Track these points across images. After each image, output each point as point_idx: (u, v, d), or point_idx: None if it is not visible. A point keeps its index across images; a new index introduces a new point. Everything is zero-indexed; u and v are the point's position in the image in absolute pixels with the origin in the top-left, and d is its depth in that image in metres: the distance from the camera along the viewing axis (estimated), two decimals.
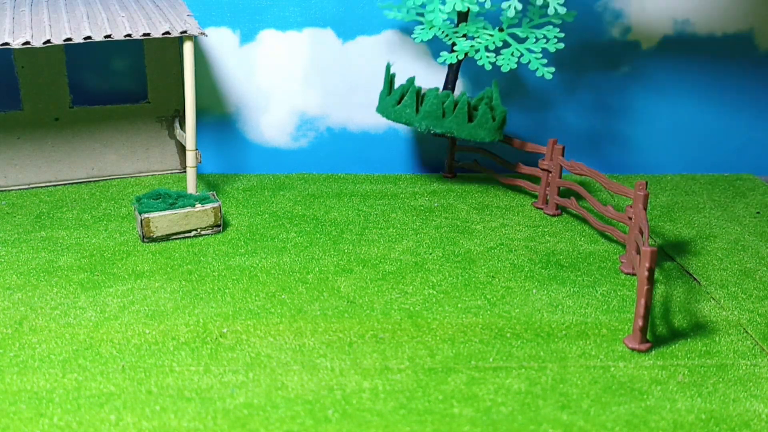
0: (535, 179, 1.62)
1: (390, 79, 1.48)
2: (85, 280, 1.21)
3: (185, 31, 1.38)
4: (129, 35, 1.35)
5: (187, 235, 1.36)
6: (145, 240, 1.34)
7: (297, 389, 0.96)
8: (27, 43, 1.29)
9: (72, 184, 1.61)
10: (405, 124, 1.46)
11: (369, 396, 0.96)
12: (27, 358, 1.01)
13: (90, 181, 1.62)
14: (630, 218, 1.29)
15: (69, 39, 1.31)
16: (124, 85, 1.64)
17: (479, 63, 1.45)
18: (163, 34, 1.37)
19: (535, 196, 1.59)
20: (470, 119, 1.43)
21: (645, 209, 1.25)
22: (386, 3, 1.50)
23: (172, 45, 1.59)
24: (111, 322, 1.09)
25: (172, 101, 1.63)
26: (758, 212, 1.57)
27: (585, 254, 1.35)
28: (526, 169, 1.57)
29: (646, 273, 1.02)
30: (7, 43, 1.29)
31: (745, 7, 1.69)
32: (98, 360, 1.01)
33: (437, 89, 1.45)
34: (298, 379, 0.98)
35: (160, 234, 1.34)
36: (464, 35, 1.46)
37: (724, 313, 1.18)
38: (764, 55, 1.73)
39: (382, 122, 1.70)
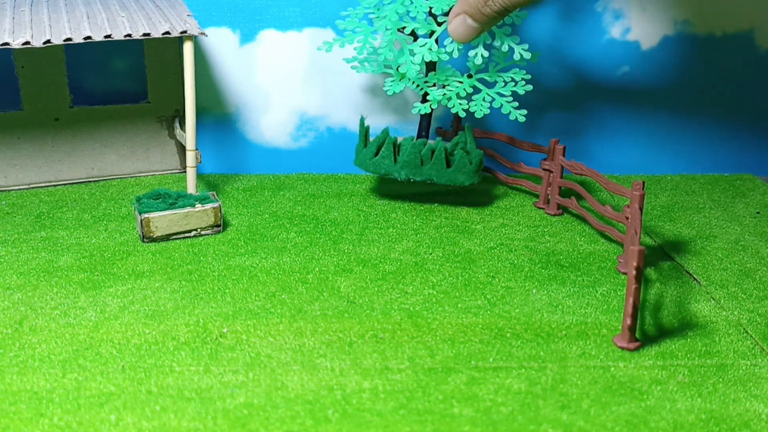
0: (536, 179, 1.63)
1: (365, 131, 1.50)
2: (85, 280, 1.21)
3: (185, 31, 1.38)
4: (129, 35, 1.35)
5: (187, 235, 1.36)
6: (145, 240, 1.34)
7: (297, 389, 0.96)
8: (27, 43, 1.29)
9: (72, 184, 1.61)
10: (384, 175, 1.48)
11: (369, 396, 0.96)
12: (27, 358, 1.01)
13: (90, 181, 1.62)
14: (627, 218, 1.29)
15: (69, 39, 1.31)
16: (124, 85, 1.64)
17: (453, 110, 1.49)
18: (163, 34, 1.37)
19: (536, 196, 1.59)
20: (448, 165, 1.46)
21: (641, 209, 1.25)
22: (353, 59, 1.52)
23: (172, 45, 1.59)
24: (111, 322, 1.09)
25: (172, 101, 1.63)
26: (758, 212, 1.57)
27: (585, 254, 1.35)
28: (527, 169, 1.57)
29: (634, 272, 1.02)
30: (7, 43, 1.29)
31: (745, 7, 1.69)
32: (98, 360, 1.01)
33: (412, 138, 1.48)
34: (298, 379, 0.98)
35: (160, 234, 1.34)
36: (434, 84, 1.50)
37: (724, 313, 1.18)
38: (764, 55, 1.73)
39: (382, 122, 1.70)
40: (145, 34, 1.36)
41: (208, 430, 0.89)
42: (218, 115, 1.66)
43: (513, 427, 0.91)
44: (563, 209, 1.53)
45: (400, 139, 1.50)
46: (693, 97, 1.74)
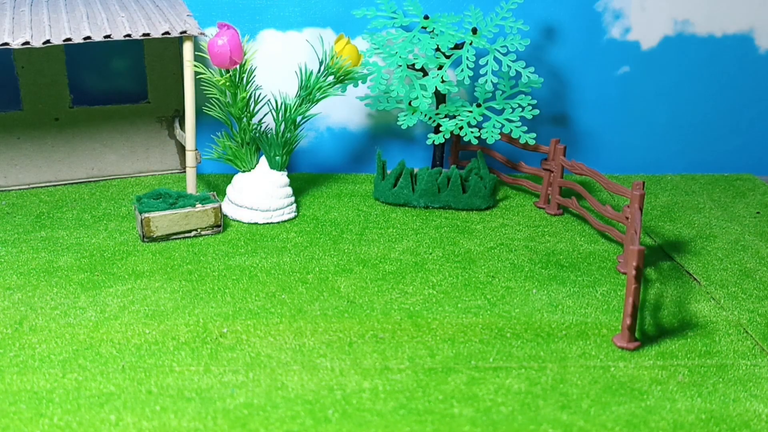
0: (536, 179, 1.63)
1: (382, 165, 1.55)
2: (85, 280, 1.21)
3: (185, 31, 1.38)
4: (129, 35, 1.35)
5: (187, 235, 1.36)
6: (145, 240, 1.34)
7: (297, 389, 0.96)
8: (27, 43, 1.29)
9: (72, 184, 1.61)
10: (403, 204, 1.53)
11: (369, 396, 0.96)
12: (27, 358, 1.01)
13: (90, 181, 1.62)
14: (627, 218, 1.29)
15: (69, 39, 1.31)
16: (124, 85, 1.64)
17: (465, 139, 1.54)
18: (163, 34, 1.37)
19: (537, 196, 1.59)
20: (464, 190, 1.52)
21: (641, 209, 1.25)
22: (365, 98, 1.59)
23: (172, 45, 1.59)
24: (111, 322, 1.09)
25: (172, 101, 1.63)
26: (758, 212, 1.57)
27: (585, 254, 1.35)
28: (528, 169, 1.57)
29: (634, 272, 1.02)
30: (6, 43, 1.29)
31: (745, 7, 1.69)
32: (98, 360, 1.01)
33: (427, 168, 1.53)
34: (298, 379, 0.98)
35: (160, 234, 1.34)
36: (446, 115, 1.56)
37: (724, 313, 1.18)
38: (764, 55, 1.73)
39: (382, 122, 1.70)
40: (144, 34, 1.36)
41: (208, 430, 0.89)
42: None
43: (513, 427, 0.91)
44: (563, 209, 1.53)
45: (416, 170, 1.56)
46: (693, 97, 1.74)
